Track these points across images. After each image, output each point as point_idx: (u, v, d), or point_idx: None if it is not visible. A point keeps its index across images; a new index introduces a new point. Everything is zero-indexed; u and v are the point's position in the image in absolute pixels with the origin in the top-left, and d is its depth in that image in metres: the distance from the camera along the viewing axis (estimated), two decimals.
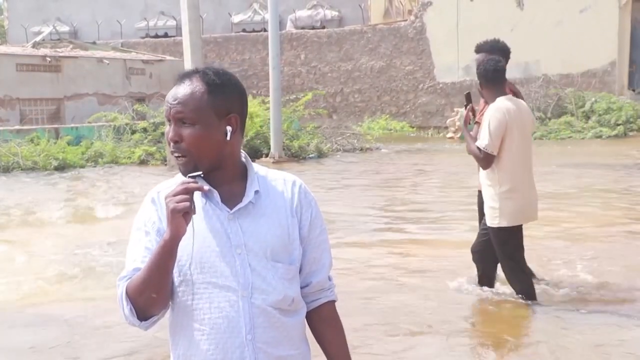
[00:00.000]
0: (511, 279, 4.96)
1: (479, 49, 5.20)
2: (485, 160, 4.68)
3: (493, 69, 4.73)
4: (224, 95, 1.75)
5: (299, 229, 1.81)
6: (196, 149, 1.71)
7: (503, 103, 4.71)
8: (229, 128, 1.75)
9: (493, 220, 4.77)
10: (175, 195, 1.62)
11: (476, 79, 4.94)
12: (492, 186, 4.75)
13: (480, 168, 4.86)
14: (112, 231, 7.84)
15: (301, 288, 1.84)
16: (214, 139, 1.73)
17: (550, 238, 6.95)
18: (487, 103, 4.90)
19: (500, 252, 4.88)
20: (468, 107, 4.94)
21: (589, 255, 6.28)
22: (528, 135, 4.90)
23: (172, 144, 1.74)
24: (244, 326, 1.71)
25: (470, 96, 5.04)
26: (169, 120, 1.76)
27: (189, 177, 1.68)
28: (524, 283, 4.92)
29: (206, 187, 1.70)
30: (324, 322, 1.88)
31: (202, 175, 1.71)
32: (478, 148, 4.67)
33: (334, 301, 1.91)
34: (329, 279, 1.90)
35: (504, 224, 4.74)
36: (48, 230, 8.45)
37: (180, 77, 1.78)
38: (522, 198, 4.74)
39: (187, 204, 1.61)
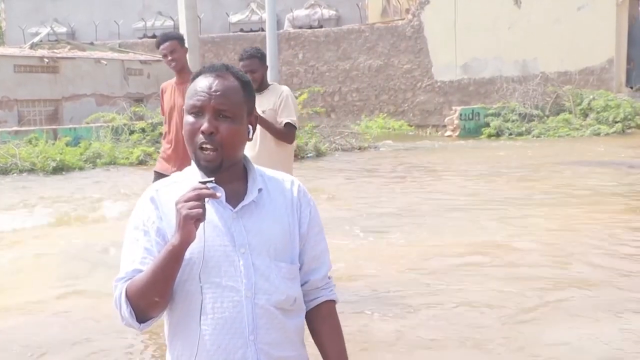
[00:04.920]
0: None
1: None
2: (293, 134, 5.02)
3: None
4: (250, 94, 1.77)
5: (298, 227, 1.81)
6: (230, 143, 1.70)
7: None
8: (250, 127, 1.77)
9: None
10: (187, 201, 1.59)
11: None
12: (286, 161, 5.03)
13: (270, 147, 4.99)
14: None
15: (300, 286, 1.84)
16: (243, 136, 1.75)
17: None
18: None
19: None
20: None
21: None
22: None
23: (203, 135, 1.69)
24: (247, 326, 1.69)
25: None
26: (196, 112, 1.71)
27: (200, 182, 1.63)
28: None
29: (219, 193, 1.67)
30: (322, 320, 1.86)
31: (213, 180, 1.67)
32: (289, 124, 4.92)
33: (334, 301, 1.90)
34: (328, 277, 1.90)
35: None
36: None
37: (210, 69, 1.75)
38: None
39: (200, 210, 1.58)
